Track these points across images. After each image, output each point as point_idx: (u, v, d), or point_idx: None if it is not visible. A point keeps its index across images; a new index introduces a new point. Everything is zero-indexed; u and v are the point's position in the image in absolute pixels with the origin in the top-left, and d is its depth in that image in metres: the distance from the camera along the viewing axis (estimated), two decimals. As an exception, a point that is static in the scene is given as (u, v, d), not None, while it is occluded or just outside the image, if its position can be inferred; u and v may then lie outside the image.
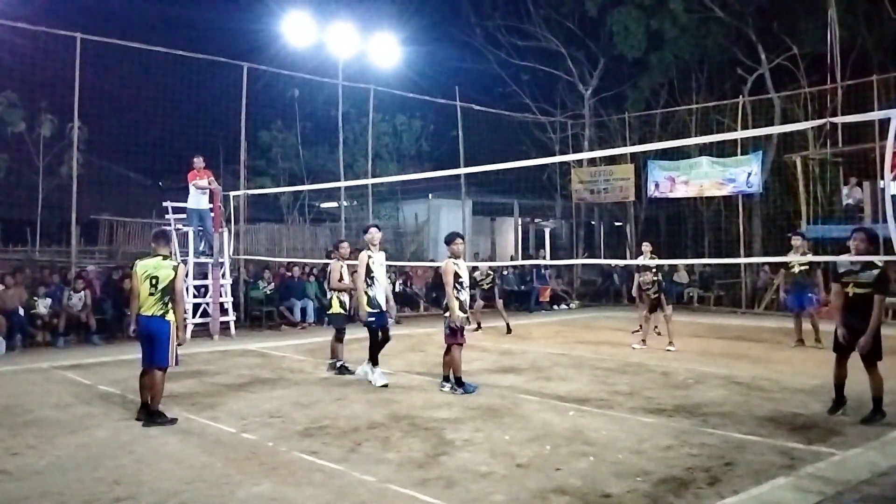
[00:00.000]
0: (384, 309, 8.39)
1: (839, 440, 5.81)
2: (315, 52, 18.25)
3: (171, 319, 6.58)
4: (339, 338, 9.19)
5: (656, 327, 12.41)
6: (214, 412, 6.92)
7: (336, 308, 9.28)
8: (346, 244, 9.53)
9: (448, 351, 7.93)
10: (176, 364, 6.83)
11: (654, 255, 12.12)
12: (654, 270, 11.49)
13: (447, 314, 7.85)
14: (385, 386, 8.13)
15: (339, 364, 9.11)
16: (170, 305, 6.58)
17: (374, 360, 8.39)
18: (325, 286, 9.58)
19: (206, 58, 14.81)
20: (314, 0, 19.47)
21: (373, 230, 8.47)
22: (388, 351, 8.55)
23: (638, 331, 12.24)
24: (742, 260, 18.26)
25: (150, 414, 6.49)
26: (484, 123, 20.66)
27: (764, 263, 18.05)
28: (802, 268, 11.13)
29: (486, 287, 14.10)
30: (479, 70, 24.32)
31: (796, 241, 11.21)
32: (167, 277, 6.56)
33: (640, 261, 12.04)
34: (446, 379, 7.97)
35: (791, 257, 11.07)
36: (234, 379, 8.77)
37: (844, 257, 6.65)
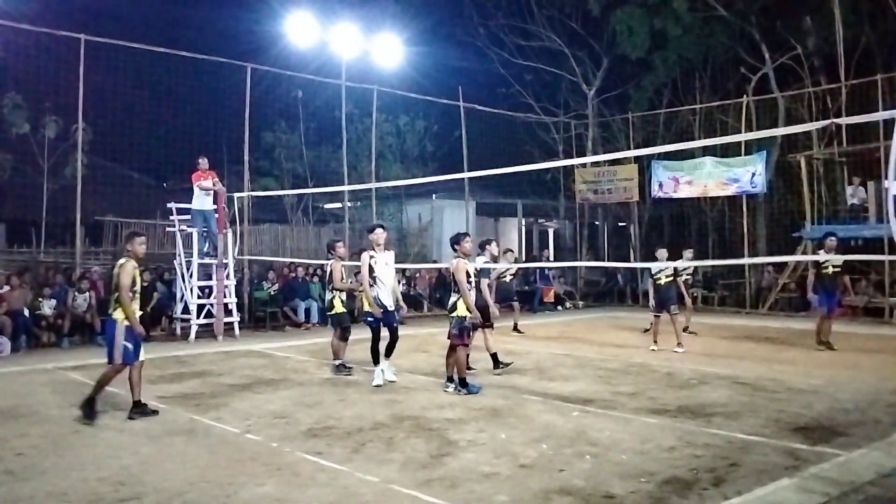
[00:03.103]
0: (390, 308, 8.35)
1: (844, 441, 5.79)
2: (318, 53, 18.26)
3: (118, 317, 6.65)
4: (343, 337, 9.22)
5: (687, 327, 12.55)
6: (219, 413, 6.94)
7: (339, 308, 9.28)
8: (341, 244, 9.60)
9: (452, 351, 7.95)
10: (123, 361, 6.70)
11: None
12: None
13: (453, 314, 7.84)
14: (378, 386, 8.15)
15: (337, 363, 9.14)
16: (117, 303, 6.68)
17: (375, 359, 8.42)
18: (329, 287, 9.48)
19: (209, 59, 14.85)
20: (317, 0, 19.50)
21: (378, 231, 8.46)
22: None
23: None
24: (746, 261, 18.21)
25: (133, 406, 6.75)
26: (487, 124, 20.67)
27: (768, 263, 18.04)
28: (836, 269, 11.05)
29: (508, 280, 13.96)
30: (482, 70, 24.34)
31: (832, 242, 11.06)
32: (115, 276, 6.72)
33: (680, 264, 12.20)
34: (450, 379, 7.99)
35: (824, 257, 10.96)
36: (239, 379, 8.78)
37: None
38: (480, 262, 9.28)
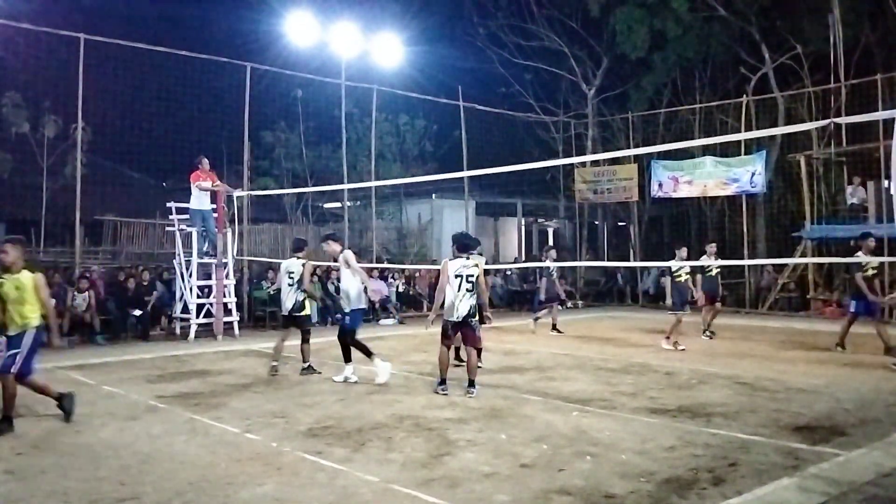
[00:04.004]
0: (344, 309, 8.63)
1: (843, 441, 5.79)
2: (318, 52, 18.26)
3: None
4: (306, 339, 9.29)
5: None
6: (218, 412, 6.93)
7: (308, 310, 9.41)
8: (306, 244, 9.78)
9: (446, 352, 7.90)
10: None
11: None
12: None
13: (475, 318, 7.76)
14: (346, 381, 8.34)
15: (307, 365, 9.20)
16: None
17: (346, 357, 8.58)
18: (300, 288, 9.38)
19: (209, 58, 14.86)
20: (317, 0, 19.50)
21: (322, 245, 9.07)
22: (389, 351, 8.54)
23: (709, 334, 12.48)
24: (746, 262, 18.21)
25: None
26: (487, 123, 20.68)
27: (766, 263, 18.03)
28: (874, 270, 10.45)
29: (555, 278, 13.97)
30: (482, 70, 24.34)
31: (872, 243, 10.48)
32: None
33: (704, 260, 12.24)
34: (443, 382, 7.81)
35: (864, 258, 10.27)
36: (238, 379, 8.78)
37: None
38: (482, 261, 9.23)
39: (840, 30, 17.37)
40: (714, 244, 13.07)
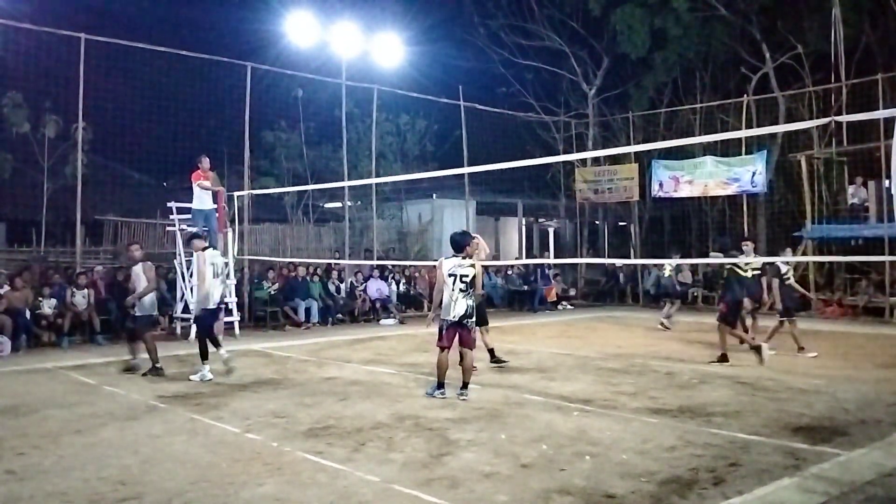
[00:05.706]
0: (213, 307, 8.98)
1: (844, 441, 5.79)
2: (318, 52, 18.27)
3: None
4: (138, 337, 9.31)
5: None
6: (219, 412, 6.94)
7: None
8: (136, 246, 9.80)
9: (447, 355, 7.66)
10: None
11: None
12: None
13: (473, 320, 7.52)
14: (209, 380, 8.51)
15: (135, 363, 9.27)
16: None
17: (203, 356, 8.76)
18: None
19: (209, 58, 14.86)
20: (317, 0, 19.50)
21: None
22: (389, 351, 8.52)
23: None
24: (761, 259, 18.11)
25: None
26: (487, 123, 20.67)
27: (765, 263, 17.98)
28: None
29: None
30: (483, 69, 24.35)
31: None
32: None
33: (742, 259, 10.32)
34: (440, 385, 7.65)
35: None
36: (239, 379, 8.76)
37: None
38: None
39: (841, 29, 17.35)
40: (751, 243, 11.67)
